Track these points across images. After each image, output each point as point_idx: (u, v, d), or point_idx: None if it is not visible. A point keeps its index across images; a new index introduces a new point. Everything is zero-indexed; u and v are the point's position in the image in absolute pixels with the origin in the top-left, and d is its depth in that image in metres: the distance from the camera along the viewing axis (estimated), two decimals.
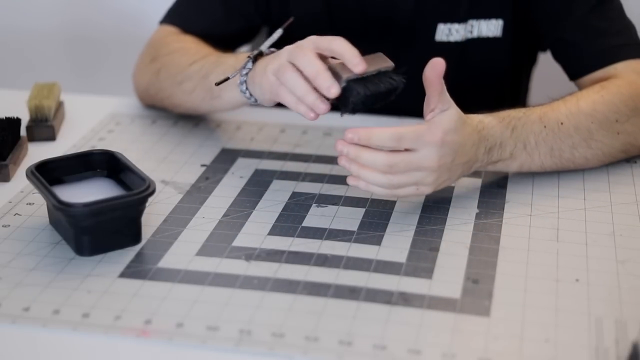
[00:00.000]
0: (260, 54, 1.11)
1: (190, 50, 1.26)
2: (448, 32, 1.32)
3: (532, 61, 1.46)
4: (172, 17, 1.37)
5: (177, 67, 1.25)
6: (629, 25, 1.26)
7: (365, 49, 1.40)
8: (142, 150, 1.23)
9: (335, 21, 1.35)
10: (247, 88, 1.11)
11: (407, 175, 1.00)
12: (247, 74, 1.11)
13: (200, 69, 1.21)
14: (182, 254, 0.98)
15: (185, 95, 1.24)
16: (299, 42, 1.04)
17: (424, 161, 1.00)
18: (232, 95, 1.15)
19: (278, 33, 1.14)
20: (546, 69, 1.48)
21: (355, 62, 0.99)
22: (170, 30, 1.35)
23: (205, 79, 1.20)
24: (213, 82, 1.17)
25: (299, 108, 1.02)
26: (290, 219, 1.05)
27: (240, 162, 1.20)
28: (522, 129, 1.08)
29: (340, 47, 1.01)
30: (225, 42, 1.36)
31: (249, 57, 1.11)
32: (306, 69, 1.01)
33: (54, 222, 1.03)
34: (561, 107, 1.12)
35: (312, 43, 1.02)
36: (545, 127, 1.09)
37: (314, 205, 1.08)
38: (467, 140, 1.03)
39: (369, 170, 0.99)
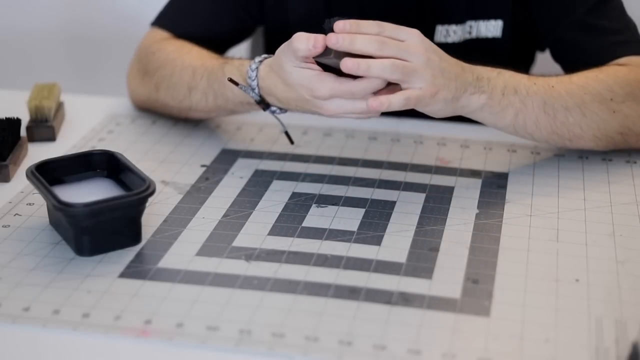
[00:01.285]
0: (263, 100, 1.12)
1: (176, 65, 1.25)
2: (446, 33, 1.32)
3: (530, 61, 1.46)
4: (162, 20, 1.37)
5: (176, 90, 1.24)
6: (630, 24, 1.26)
7: None
8: (142, 150, 1.23)
9: None
10: (280, 109, 1.12)
11: (404, 65, 1.00)
12: (280, 110, 1.12)
13: (206, 101, 1.21)
14: (182, 254, 0.98)
15: (204, 114, 1.26)
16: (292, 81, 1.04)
17: (410, 46, 1.01)
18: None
19: (241, 87, 1.12)
20: (545, 69, 1.48)
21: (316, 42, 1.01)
22: (158, 35, 1.34)
23: (221, 110, 1.22)
24: (233, 109, 1.20)
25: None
26: (290, 219, 1.05)
27: (240, 162, 1.20)
28: (509, 76, 1.09)
29: (299, 40, 1.02)
30: (216, 43, 1.35)
31: (263, 109, 1.13)
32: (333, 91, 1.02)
33: (54, 222, 1.03)
34: (552, 77, 1.13)
35: (294, 57, 1.03)
36: (535, 83, 1.10)
37: (314, 205, 1.08)
38: (450, 59, 1.04)
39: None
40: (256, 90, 1.11)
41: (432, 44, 1.04)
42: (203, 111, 1.24)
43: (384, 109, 1.01)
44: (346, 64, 0.99)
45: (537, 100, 1.09)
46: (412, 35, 1.02)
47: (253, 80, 1.10)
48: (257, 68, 1.11)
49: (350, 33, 1.00)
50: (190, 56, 1.25)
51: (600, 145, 1.15)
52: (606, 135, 1.14)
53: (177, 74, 1.24)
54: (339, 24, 1.00)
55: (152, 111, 1.33)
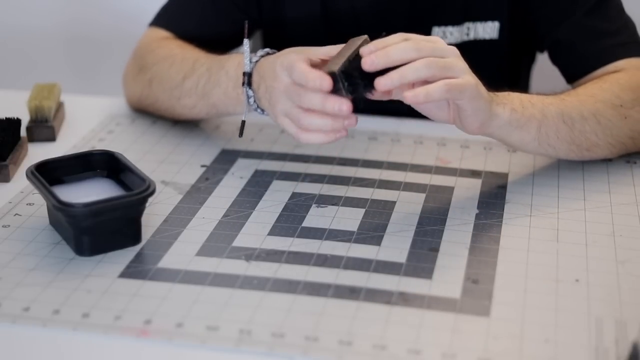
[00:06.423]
0: (250, 75, 1.09)
1: (177, 58, 1.25)
2: (442, 35, 1.32)
3: (530, 60, 1.46)
4: (161, 19, 1.37)
5: (170, 80, 1.24)
6: (629, 24, 1.26)
7: None
8: (142, 150, 1.23)
9: (331, 25, 1.35)
10: (262, 110, 1.10)
11: (439, 60, 0.98)
12: (254, 101, 1.10)
13: (196, 87, 1.20)
14: (182, 254, 0.98)
15: (187, 109, 1.24)
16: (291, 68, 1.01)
17: (441, 45, 1.00)
18: (242, 109, 1.13)
19: (247, 44, 1.10)
20: (546, 67, 1.48)
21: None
22: (157, 34, 1.34)
23: (205, 98, 1.19)
24: (215, 102, 1.17)
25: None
26: (290, 219, 1.05)
27: (240, 162, 1.20)
28: (519, 93, 1.08)
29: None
30: (215, 44, 1.35)
31: (243, 83, 1.09)
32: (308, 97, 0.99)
33: (54, 222, 1.03)
34: (558, 93, 1.13)
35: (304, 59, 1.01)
36: (545, 97, 1.10)
37: (314, 205, 1.08)
38: None
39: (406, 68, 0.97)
40: (251, 64, 1.09)
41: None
42: (189, 101, 1.21)
43: (421, 101, 0.97)
44: (379, 83, 0.96)
45: (553, 110, 1.08)
46: (437, 40, 1.01)
47: (255, 57, 1.09)
48: (264, 56, 1.09)
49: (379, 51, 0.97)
50: (194, 51, 1.26)
51: (614, 152, 1.15)
52: (619, 142, 1.14)
53: (176, 65, 1.23)
54: (366, 49, 0.97)
55: (143, 111, 1.33)
